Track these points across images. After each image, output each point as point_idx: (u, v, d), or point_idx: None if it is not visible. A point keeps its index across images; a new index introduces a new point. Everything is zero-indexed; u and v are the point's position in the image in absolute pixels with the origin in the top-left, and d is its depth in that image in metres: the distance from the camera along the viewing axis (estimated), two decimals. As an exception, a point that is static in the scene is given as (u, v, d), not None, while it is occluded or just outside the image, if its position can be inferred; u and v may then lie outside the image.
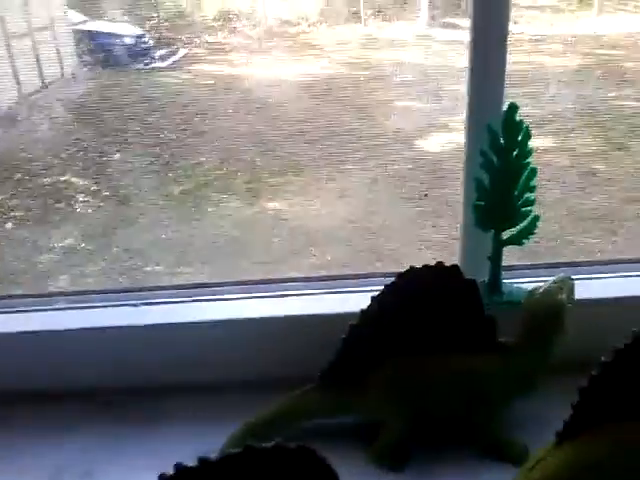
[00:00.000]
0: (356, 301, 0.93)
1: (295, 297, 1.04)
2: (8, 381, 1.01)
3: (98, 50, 1.80)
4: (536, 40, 1.74)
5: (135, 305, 1.05)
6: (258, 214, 1.81)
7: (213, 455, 0.61)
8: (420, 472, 0.89)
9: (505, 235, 0.98)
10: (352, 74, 1.80)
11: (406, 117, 1.76)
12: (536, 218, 0.95)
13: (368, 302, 0.90)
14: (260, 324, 1.00)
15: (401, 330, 0.90)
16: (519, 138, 0.93)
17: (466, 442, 0.91)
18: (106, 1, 1.69)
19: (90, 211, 1.80)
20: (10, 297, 1.10)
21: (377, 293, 0.90)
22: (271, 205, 1.81)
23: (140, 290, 1.09)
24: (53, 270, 1.72)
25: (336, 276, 1.07)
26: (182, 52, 1.86)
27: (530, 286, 0.93)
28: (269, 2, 1.84)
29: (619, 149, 1.74)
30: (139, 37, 1.84)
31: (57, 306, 1.06)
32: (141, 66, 1.86)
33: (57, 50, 1.74)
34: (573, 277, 0.92)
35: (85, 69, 1.81)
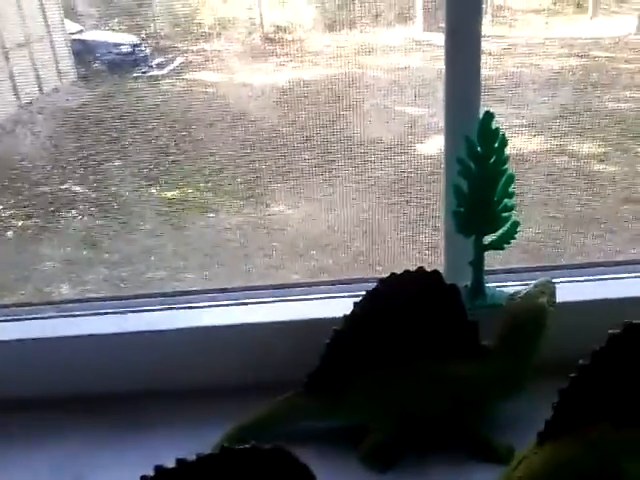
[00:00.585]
0: (339, 306, 0.95)
1: (279, 303, 1.06)
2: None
3: (95, 59, 1.82)
4: (532, 44, 1.75)
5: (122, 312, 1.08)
6: (254, 219, 1.83)
7: (190, 457, 0.63)
8: (410, 474, 0.90)
9: (486, 240, 0.99)
10: (348, 80, 1.82)
11: (403, 122, 1.77)
12: (516, 223, 0.97)
13: (351, 307, 0.92)
14: (244, 330, 1.02)
15: (384, 335, 0.92)
16: (495, 145, 0.94)
17: (454, 444, 0.93)
18: (102, 10, 1.72)
19: (87, 218, 1.83)
20: (5, 306, 1.12)
21: (359, 298, 0.92)
22: (269, 210, 1.83)
23: (135, 297, 1.11)
24: (53, 278, 1.74)
25: (319, 282, 1.09)
26: (179, 60, 1.87)
27: (513, 290, 0.95)
28: (265, 9, 1.86)
29: (617, 150, 1.74)
30: (136, 46, 1.85)
31: (48, 314, 1.08)
32: (138, 74, 1.88)
33: (54, 59, 1.76)
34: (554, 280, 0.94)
35: (82, 78, 1.83)
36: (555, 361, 0.82)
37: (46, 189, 1.84)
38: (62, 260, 1.81)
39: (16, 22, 1.65)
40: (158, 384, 1.02)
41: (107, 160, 1.86)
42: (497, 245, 0.98)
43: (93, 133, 1.87)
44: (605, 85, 1.74)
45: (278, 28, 1.87)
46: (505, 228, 0.97)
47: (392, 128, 1.71)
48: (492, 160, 0.94)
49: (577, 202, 1.68)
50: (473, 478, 0.89)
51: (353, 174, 1.81)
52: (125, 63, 1.87)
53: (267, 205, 1.83)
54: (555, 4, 1.85)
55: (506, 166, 0.95)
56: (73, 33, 1.76)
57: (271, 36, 1.86)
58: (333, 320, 0.94)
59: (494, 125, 0.94)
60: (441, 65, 1.53)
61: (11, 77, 1.69)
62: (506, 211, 0.96)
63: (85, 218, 1.82)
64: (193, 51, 1.89)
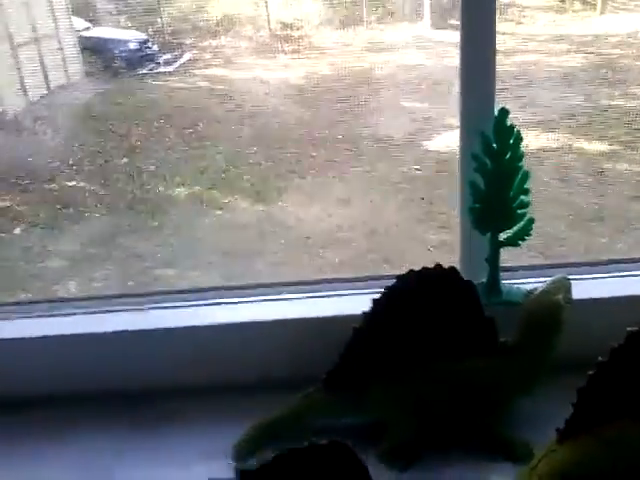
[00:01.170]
0: (358, 303, 0.95)
1: (297, 300, 1.06)
2: (22, 386, 1.04)
3: (103, 56, 1.82)
4: (540, 40, 1.75)
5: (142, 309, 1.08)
6: (264, 216, 1.83)
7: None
8: (429, 472, 0.90)
9: (502, 237, 0.99)
10: (356, 76, 1.81)
11: (410, 118, 1.77)
12: (531, 220, 0.97)
13: (369, 304, 0.92)
14: (267, 327, 1.02)
15: (402, 331, 0.92)
16: (510, 142, 0.94)
17: (472, 442, 0.92)
18: (110, 7, 1.72)
19: (97, 215, 1.82)
20: (19, 304, 1.13)
21: (378, 295, 0.92)
22: (277, 207, 1.83)
23: (154, 294, 1.11)
24: (61, 275, 1.74)
25: (337, 279, 1.09)
26: (187, 56, 1.87)
27: (529, 286, 0.95)
28: (272, 6, 1.85)
29: (626, 148, 1.74)
30: (143, 42, 1.85)
31: (67, 311, 1.08)
32: (146, 71, 1.88)
33: (62, 57, 1.76)
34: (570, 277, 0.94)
35: (90, 75, 1.83)
36: (573, 359, 0.82)
37: (54, 185, 1.84)
38: (70, 257, 1.81)
39: (24, 20, 1.65)
40: (183, 380, 1.02)
41: (115, 157, 1.86)
42: (512, 241, 0.98)
43: (100, 130, 1.87)
44: (615, 81, 1.74)
45: (285, 25, 1.87)
46: (520, 225, 0.97)
47: (400, 124, 1.71)
48: (507, 156, 0.94)
49: (587, 199, 1.68)
50: (491, 477, 0.89)
51: (362, 170, 1.81)
52: (133, 60, 1.87)
53: (277, 201, 1.83)
54: (563, 1, 1.85)
55: (521, 163, 0.95)
56: (81, 30, 1.76)
57: (279, 33, 1.86)
58: (349, 317, 0.94)
59: (509, 122, 0.94)
60: (449, 62, 1.52)
61: (19, 74, 1.69)
62: (522, 208, 0.96)
63: (96, 215, 1.82)
64: (200, 47, 1.89)
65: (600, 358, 0.78)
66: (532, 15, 1.74)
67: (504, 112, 0.93)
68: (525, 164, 0.95)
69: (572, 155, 1.71)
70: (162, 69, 1.90)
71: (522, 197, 0.96)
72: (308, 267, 1.70)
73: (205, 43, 1.92)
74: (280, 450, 0.68)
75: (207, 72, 1.94)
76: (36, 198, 1.82)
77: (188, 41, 1.90)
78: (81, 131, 1.84)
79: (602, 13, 1.78)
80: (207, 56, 1.92)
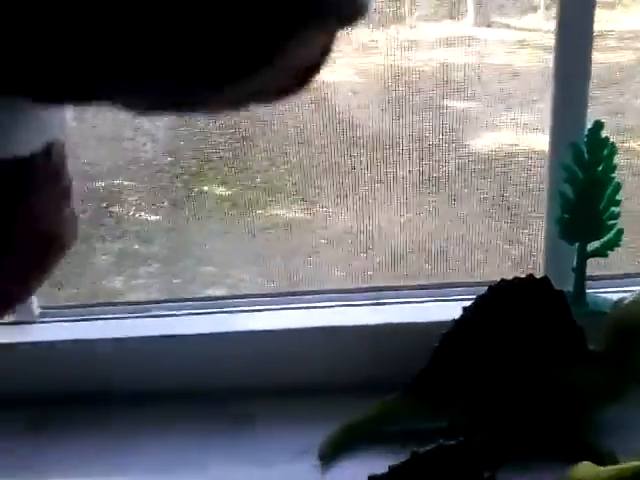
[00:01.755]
0: (444, 310, 0.96)
1: (386, 305, 1.07)
2: (103, 383, 1.05)
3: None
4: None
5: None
6: (310, 217, 1.83)
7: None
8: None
9: (590, 247, 1.00)
10: (395, 75, 1.81)
11: (457, 118, 1.76)
12: (620, 231, 0.98)
13: (460, 312, 0.93)
14: (353, 332, 1.03)
15: (493, 340, 0.93)
16: (604, 153, 0.95)
17: (557, 448, 0.94)
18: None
19: (143, 214, 1.83)
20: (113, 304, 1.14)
21: (469, 303, 0.93)
22: (321, 208, 1.83)
23: (223, 298, 1.12)
24: (108, 273, 1.75)
25: (426, 285, 1.10)
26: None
27: (614, 296, 0.96)
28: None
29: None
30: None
31: (153, 313, 1.09)
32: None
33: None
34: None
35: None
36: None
37: (99, 184, 1.84)
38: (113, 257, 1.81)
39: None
40: (266, 382, 1.03)
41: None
42: (601, 252, 1.00)
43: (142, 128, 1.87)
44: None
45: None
46: (610, 235, 0.98)
47: (441, 124, 1.71)
48: (600, 168, 0.96)
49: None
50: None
51: (400, 172, 1.81)
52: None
53: (315, 203, 1.83)
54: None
55: (614, 174, 0.96)
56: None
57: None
58: (437, 324, 0.95)
59: (603, 134, 0.95)
60: (490, 60, 1.52)
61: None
62: (612, 219, 0.97)
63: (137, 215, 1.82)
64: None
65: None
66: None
67: (598, 124, 0.95)
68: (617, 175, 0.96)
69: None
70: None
71: (613, 208, 0.97)
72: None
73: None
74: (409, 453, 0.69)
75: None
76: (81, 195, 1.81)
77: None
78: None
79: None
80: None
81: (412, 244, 1.74)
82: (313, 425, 0.97)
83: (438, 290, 1.09)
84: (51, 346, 1.07)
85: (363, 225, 1.82)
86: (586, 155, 0.96)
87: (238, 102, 0.36)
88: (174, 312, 1.11)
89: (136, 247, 1.83)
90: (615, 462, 0.88)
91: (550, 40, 1.46)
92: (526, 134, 1.45)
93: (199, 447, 0.98)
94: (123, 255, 1.82)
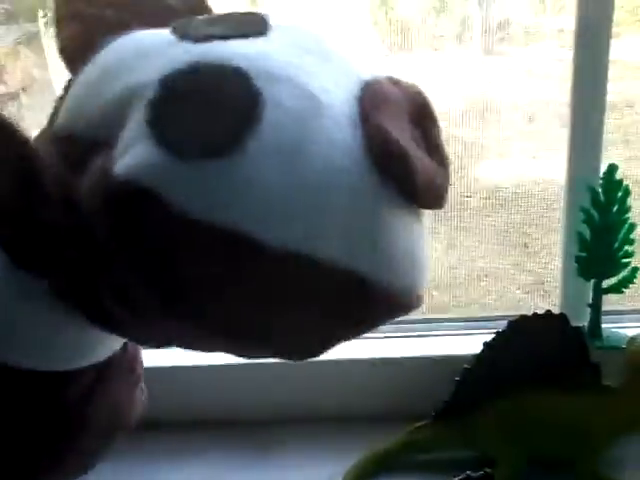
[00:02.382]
0: (465, 344, 1.01)
1: (408, 339, 1.11)
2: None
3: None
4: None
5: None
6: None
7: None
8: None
9: (606, 284, 1.05)
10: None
11: (467, 147, 1.77)
12: (636, 269, 1.02)
13: (480, 347, 0.98)
14: (378, 364, 1.08)
15: (512, 373, 0.97)
16: (619, 195, 1.00)
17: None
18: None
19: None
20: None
21: (490, 338, 0.98)
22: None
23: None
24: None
25: (444, 318, 1.15)
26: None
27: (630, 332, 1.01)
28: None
29: None
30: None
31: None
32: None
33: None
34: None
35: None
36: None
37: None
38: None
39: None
40: (291, 412, 1.08)
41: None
42: (616, 289, 1.04)
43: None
44: None
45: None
46: (625, 273, 1.03)
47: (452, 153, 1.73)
48: (615, 209, 1.00)
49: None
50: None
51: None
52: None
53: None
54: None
55: (628, 214, 1.00)
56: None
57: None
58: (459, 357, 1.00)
59: (618, 176, 1.00)
60: (501, 89, 1.56)
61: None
62: (626, 257, 1.02)
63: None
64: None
65: None
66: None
67: (613, 168, 0.99)
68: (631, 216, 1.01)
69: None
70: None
71: (627, 247, 1.01)
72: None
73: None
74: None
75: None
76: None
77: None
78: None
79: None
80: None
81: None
82: (339, 453, 1.01)
83: (454, 323, 1.14)
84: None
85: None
86: (602, 197, 1.00)
87: None
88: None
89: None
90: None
91: (560, 69, 1.47)
92: (538, 165, 1.47)
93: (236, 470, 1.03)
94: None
